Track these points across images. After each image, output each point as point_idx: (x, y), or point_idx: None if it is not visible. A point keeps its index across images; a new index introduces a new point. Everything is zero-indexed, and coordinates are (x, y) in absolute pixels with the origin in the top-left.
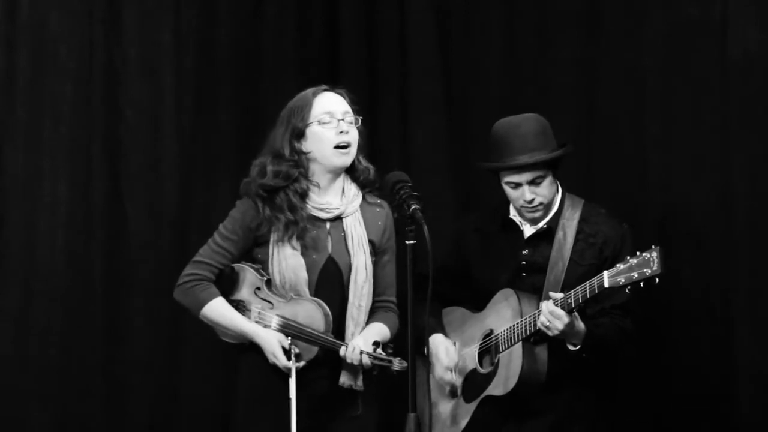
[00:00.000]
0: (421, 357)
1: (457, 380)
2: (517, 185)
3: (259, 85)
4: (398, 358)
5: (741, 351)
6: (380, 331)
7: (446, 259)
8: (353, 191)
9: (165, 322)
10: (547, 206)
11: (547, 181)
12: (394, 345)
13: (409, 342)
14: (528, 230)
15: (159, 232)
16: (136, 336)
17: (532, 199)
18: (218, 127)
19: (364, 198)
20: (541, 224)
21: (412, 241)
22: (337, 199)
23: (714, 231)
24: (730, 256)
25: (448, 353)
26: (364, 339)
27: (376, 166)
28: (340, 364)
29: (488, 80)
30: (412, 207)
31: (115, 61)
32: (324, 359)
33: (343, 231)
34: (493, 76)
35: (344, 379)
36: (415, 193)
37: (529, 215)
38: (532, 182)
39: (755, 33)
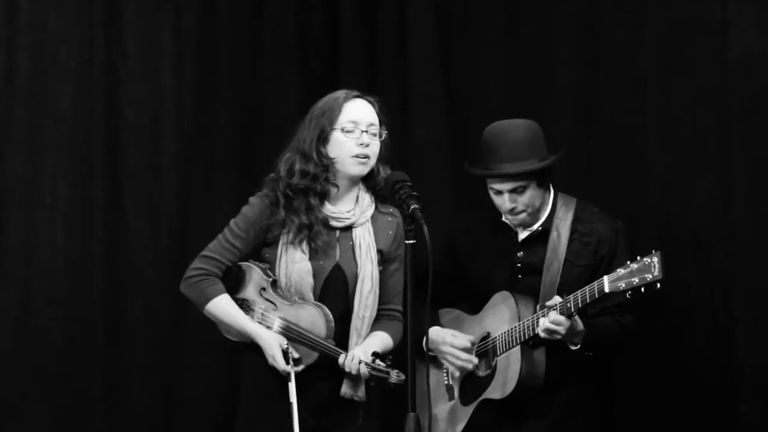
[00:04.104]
0: (420, 357)
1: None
2: (499, 192)
3: (259, 85)
4: (396, 371)
5: (741, 351)
6: (383, 340)
7: (439, 262)
8: (367, 201)
9: (165, 322)
10: (534, 212)
11: (531, 190)
12: (393, 355)
13: (409, 342)
14: (522, 232)
15: (159, 232)
16: (136, 336)
17: (513, 208)
18: (218, 127)
19: (376, 207)
20: (536, 226)
21: (411, 241)
22: (350, 207)
23: (714, 231)
24: (730, 257)
25: (455, 335)
26: (364, 349)
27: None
28: (343, 372)
29: (488, 80)
30: (412, 207)
31: (115, 61)
32: (326, 365)
33: (352, 240)
34: (493, 75)
35: (345, 389)
36: (415, 193)
37: (513, 220)
38: (513, 191)
39: (755, 33)
